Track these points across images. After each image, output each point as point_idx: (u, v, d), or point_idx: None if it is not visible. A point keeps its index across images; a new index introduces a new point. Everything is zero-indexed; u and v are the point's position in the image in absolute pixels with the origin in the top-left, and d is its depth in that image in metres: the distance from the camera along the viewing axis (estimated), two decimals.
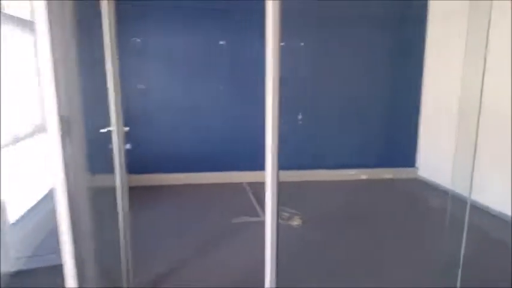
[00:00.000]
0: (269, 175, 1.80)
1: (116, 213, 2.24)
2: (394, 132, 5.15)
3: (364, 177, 5.08)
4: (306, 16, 4.62)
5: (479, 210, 3.90)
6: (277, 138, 1.78)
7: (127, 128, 2.28)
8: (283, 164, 4.58)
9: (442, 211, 4.15)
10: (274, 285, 1.85)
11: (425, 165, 5.03)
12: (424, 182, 4.94)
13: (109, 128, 2.17)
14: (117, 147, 2.19)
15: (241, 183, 4.69)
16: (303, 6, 4.48)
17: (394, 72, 5.04)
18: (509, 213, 3.63)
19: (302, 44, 4.81)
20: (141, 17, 4.43)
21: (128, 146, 2.29)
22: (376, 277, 2.64)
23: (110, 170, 2.20)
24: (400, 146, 5.17)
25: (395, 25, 4.98)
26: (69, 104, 1.49)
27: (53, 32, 1.35)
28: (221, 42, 4.66)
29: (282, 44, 5.43)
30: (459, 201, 4.36)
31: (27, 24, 3.16)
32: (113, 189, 2.23)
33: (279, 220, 3.86)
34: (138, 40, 4.48)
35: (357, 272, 2.73)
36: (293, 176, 4.82)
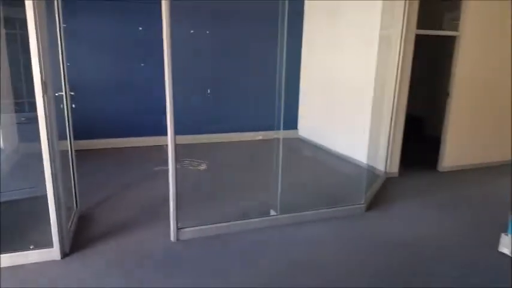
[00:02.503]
0: (170, 136, 2.93)
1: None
2: (281, 102, 6.67)
3: (259, 138, 6.56)
4: (214, 9, 5.83)
5: (333, 155, 5.61)
6: (173, 110, 2.94)
7: (72, 93, 3.31)
8: (196, 129, 6.51)
9: (309, 157, 5.83)
10: (174, 207, 2.99)
11: (303, 127, 6.68)
12: (302, 140, 6.60)
13: (60, 93, 3.18)
14: (66, 108, 3.22)
15: (165, 144, 5.86)
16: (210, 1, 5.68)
17: (280, 54, 6.51)
18: (350, 154, 5.34)
19: (208, 32, 6.00)
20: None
21: (73, 106, 3.33)
22: (240, 195, 4.07)
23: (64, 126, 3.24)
24: (286, 112, 6.72)
25: (282, 18, 6.41)
26: (45, 71, 2.51)
27: (39, 25, 2.37)
28: (140, 28, 5.65)
29: (192, 31, 7.04)
30: (323, 150, 6.14)
31: None
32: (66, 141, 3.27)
33: (191, 167, 5.15)
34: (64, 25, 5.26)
35: (235, 191, 4.13)
36: (204, 138, 6.13)
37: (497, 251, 3.01)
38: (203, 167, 4.91)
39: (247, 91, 6.40)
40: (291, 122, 6.79)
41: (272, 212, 3.42)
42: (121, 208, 3.61)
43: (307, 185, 4.45)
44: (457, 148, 4.95)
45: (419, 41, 4.51)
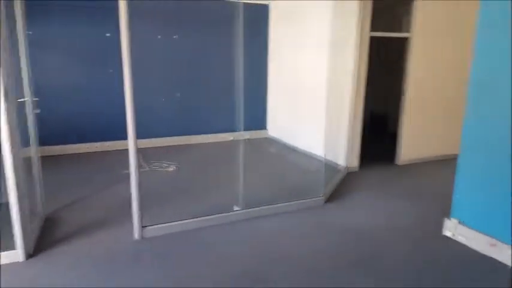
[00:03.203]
0: (131, 139, 2.98)
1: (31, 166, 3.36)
2: (251, 104, 6.86)
3: (230, 138, 6.71)
4: (180, 14, 5.97)
5: (299, 152, 5.84)
6: (134, 113, 2.99)
7: (36, 98, 3.38)
8: (167, 131, 6.59)
9: (275, 156, 6.00)
10: (137, 205, 3.09)
11: (272, 127, 6.89)
12: (271, 139, 6.80)
13: (25, 99, 3.25)
14: (31, 114, 3.28)
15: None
16: (178, 6, 5.82)
17: (251, 61, 6.70)
18: (314, 152, 5.57)
19: (175, 36, 6.13)
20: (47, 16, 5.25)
21: (38, 111, 3.39)
22: (206, 193, 4.22)
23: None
24: (256, 113, 6.92)
25: (252, 24, 6.59)
26: (6, 77, 2.59)
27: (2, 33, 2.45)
28: (107, 35, 5.71)
29: (159, 36, 7.14)
30: (290, 149, 6.32)
31: None
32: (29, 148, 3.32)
33: (160, 169, 5.23)
34: (30, 32, 5.28)
35: (202, 190, 4.27)
36: (175, 140, 6.25)
37: (442, 234, 3.28)
38: (172, 168, 5.02)
39: (216, 93, 6.55)
40: (260, 122, 6.98)
41: (235, 208, 3.57)
42: (88, 210, 3.69)
43: (271, 181, 4.64)
44: (412, 143, 5.26)
45: (384, 43, 4.78)
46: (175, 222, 3.28)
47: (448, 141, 5.55)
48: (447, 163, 5.38)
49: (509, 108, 2.71)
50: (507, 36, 2.69)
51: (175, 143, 6.34)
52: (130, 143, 3.02)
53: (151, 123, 6.21)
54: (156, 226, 3.20)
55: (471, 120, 3.02)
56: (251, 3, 6.47)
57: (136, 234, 3.13)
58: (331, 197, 4.05)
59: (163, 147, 6.17)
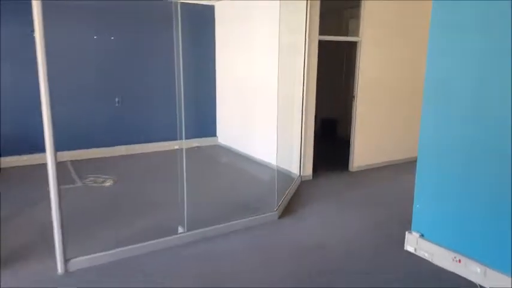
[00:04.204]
0: (49, 152, 2.57)
1: None
2: (199, 111, 6.46)
3: (176, 147, 6.25)
4: (119, 13, 5.43)
5: (251, 161, 5.54)
6: (53, 127, 2.50)
7: None
8: (104, 140, 5.78)
9: (225, 165, 5.66)
10: (60, 236, 2.58)
11: (222, 134, 6.54)
12: (222, 147, 6.45)
13: None
14: None
15: (65, 161, 5.26)
16: (117, 4, 5.27)
17: (197, 64, 6.31)
18: (267, 160, 5.31)
19: (113, 38, 5.57)
20: None
21: None
22: (146, 212, 3.77)
23: None
24: (205, 120, 6.53)
25: (197, 25, 6.20)
26: None
27: None
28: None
29: (95, 37, 6.41)
30: (241, 157, 6.01)
31: None
32: None
33: (94, 184, 4.67)
34: None
35: (141, 208, 3.81)
36: (114, 151, 5.67)
37: (404, 249, 3.10)
38: (109, 183, 4.47)
39: (160, 98, 6.07)
40: (210, 129, 6.60)
41: (180, 229, 3.17)
42: (4, 238, 3.08)
43: (221, 195, 4.28)
44: (365, 148, 5.19)
45: (334, 47, 4.62)
46: (108, 252, 2.81)
47: (401, 145, 5.56)
48: (402, 168, 5.39)
49: (467, 108, 2.59)
50: (460, 36, 2.59)
51: (114, 154, 5.74)
52: (49, 158, 2.54)
53: (87, 131, 5.59)
54: (83, 257, 2.71)
55: (428, 122, 2.88)
56: (195, 3, 6.08)
57: (59, 268, 2.62)
58: (286, 211, 3.78)
59: (100, 158, 5.55)
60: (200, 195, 3.93)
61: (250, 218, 3.46)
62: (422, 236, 2.98)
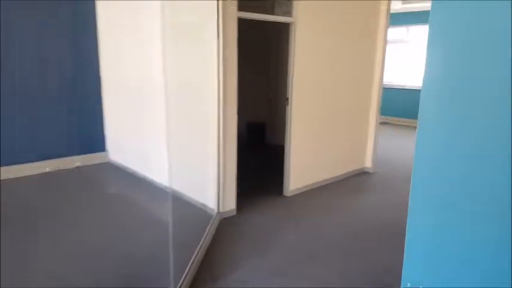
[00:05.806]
0: None
1: None
2: (79, 117, 4.70)
3: (48, 169, 4.44)
4: None
5: (151, 186, 4.02)
6: None
7: None
8: None
9: (112, 196, 3.98)
10: None
11: (113, 148, 4.86)
12: (113, 165, 4.77)
13: None
14: None
15: None
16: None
17: (69, 56, 4.54)
18: (174, 186, 3.82)
19: None
20: None
21: None
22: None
23: None
24: (88, 130, 4.79)
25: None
26: None
27: None
28: None
29: None
30: (136, 179, 4.25)
31: None
32: None
33: None
34: None
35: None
36: None
37: None
38: None
39: (22, 103, 4.21)
40: (97, 142, 4.86)
41: None
42: None
43: (97, 259, 2.71)
44: (303, 167, 4.01)
45: (262, 31, 3.33)
46: None
47: (345, 157, 4.53)
48: (348, 186, 4.31)
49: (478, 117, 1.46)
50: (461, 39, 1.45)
51: None
52: None
53: None
54: None
55: (425, 140, 1.71)
56: None
57: None
58: (195, 280, 2.39)
59: None
60: (67, 258, 2.33)
61: None
62: None
